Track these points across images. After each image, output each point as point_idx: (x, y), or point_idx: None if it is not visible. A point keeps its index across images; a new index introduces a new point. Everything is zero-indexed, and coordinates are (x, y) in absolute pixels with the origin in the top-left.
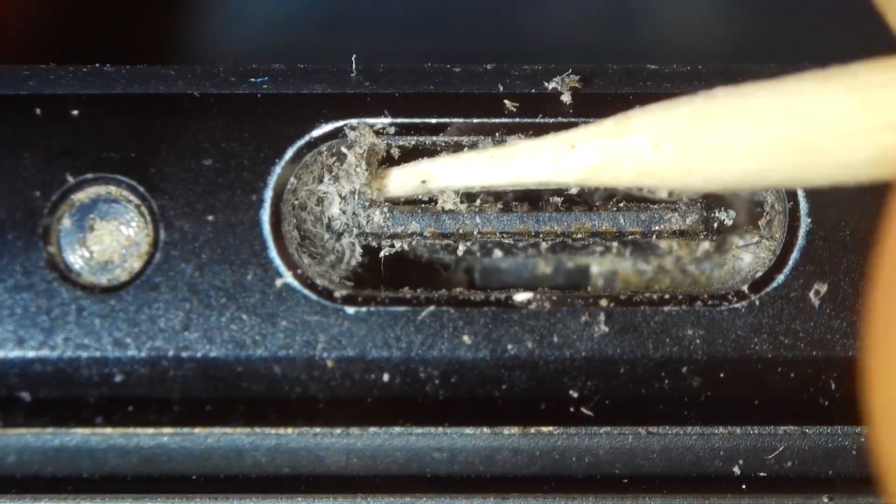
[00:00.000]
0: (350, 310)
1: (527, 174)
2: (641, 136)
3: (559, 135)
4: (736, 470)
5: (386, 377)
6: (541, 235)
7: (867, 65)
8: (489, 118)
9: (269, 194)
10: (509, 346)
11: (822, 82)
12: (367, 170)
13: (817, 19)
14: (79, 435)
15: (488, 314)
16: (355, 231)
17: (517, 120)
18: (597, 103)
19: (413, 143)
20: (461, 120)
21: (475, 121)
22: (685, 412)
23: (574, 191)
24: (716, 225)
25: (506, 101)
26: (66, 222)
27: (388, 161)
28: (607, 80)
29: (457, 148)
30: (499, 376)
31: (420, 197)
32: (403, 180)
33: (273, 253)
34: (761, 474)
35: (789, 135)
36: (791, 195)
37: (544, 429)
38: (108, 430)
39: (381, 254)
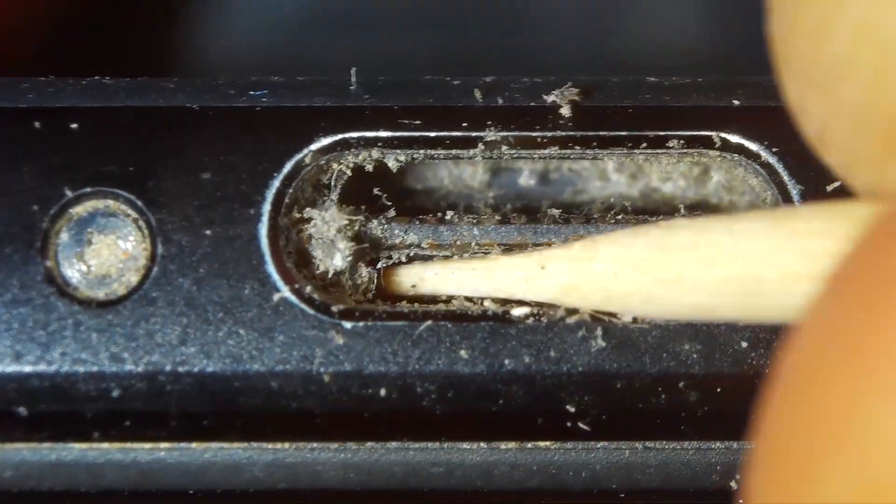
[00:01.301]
0: (347, 324)
1: (503, 289)
2: (603, 264)
3: (534, 253)
4: (733, 485)
5: (383, 392)
6: (539, 248)
7: (810, 209)
8: (490, 132)
9: (266, 208)
10: (506, 361)
11: (768, 224)
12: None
13: None
14: (76, 450)
15: (486, 329)
16: (353, 244)
17: (517, 133)
18: (596, 116)
19: (413, 156)
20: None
21: (473, 135)
22: (682, 427)
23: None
24: None
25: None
26: (64, 236)
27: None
28: (607, 93)
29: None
30: (496, 391)
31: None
32: (398, 281)
33: (270, 267)
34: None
35: (735, 275)
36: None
37: (541, 444)
38: (106, 444)
39: (379, 265)
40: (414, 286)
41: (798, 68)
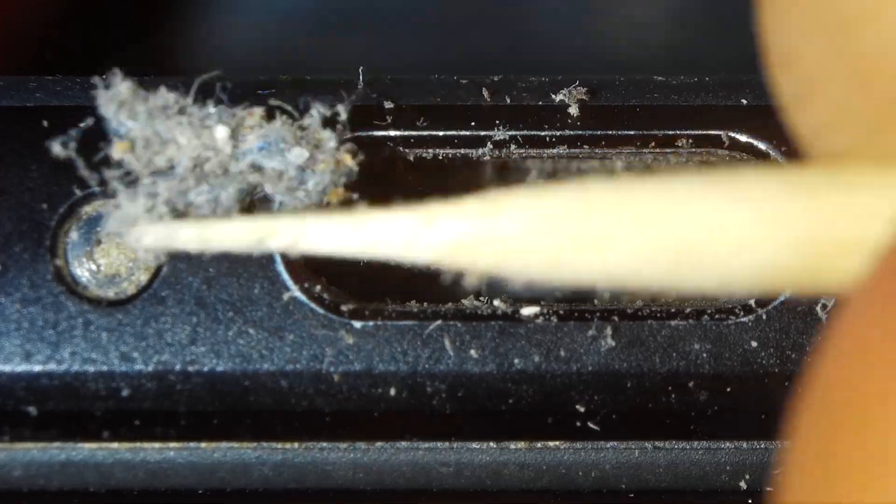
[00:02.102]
0: (357, 324)
1: (378, 246)
2: (509, 221)
3: (417, 209)
4: (742, 485)
5: (392, 391)
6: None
7: (764, 170)
8: (498, 131)
9: (276, 206)
10: (516, 361)
11: (712, 185)
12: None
13: None
14: (85, 449)
15: (495, 328)
16: None
17: (525, 133)
18: (605, 115)
19: (420, 155)
20: (467, 133)
21: (482, 134)
22: (692, 427)
23: None
24: None
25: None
26: (74, 235)
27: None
28: (614, 92)
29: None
30: (505, 390)
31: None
32: (238, 234)
33: (280, 266)
34: (768, 489)
35: (672, 240)
36: None
37: (551, 443)
38: (115, 444)
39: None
40: (261, 240)
41: (803, 12)
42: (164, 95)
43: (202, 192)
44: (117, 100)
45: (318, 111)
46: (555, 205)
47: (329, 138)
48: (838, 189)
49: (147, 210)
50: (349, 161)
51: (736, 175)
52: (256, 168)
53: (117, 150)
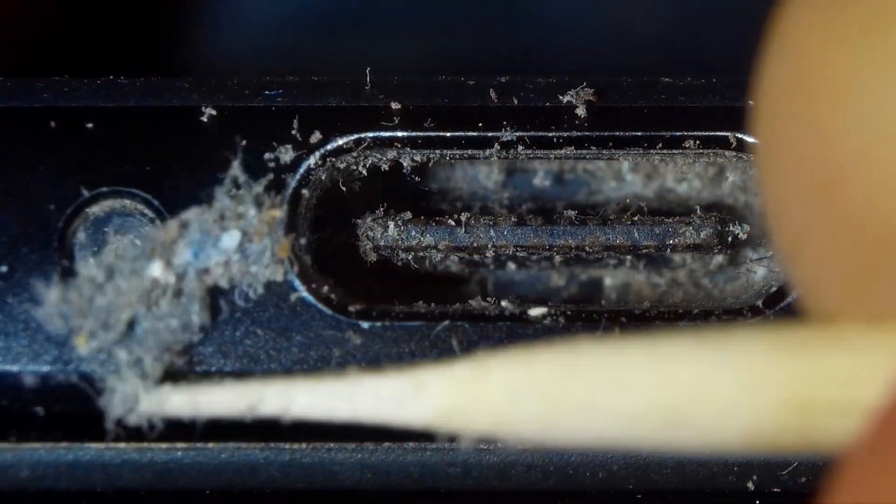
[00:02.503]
0: (365, 324)
1: (368, 413)
2: (496, 387)
3: (406, 372)
4: (750, 485)
5: None
6: (555, 249)
7: (748, 325)
8: (505, 132)
9: (283, 208)
10: None
11: (697, 344)
12: None
13: None
14: (92, 450)
15: (503, 329)
16: (369, 245)
17: (533, 133)
18: (611, 116)
19: (428, 156)
20: (475, 134)
21: (489, 135)
22: None
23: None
24: (730, 239)
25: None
26: (81, 235)
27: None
28: (622, 94)
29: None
30: None
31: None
32: (229, 400)
33: (288, 266)
34: (775, 490)
35: (659, 402)
36: None
37: None
38: (122, 445)
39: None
40: (252, 407)
41: (790, 170)
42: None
43: (172, 326)
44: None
45: (224, 194)
46: (541, 369)
47: (246, 208)
48: (829, 348)
49: (141, 378)
50: (276, 213)
51: (725, 334)
52: (204, 272)
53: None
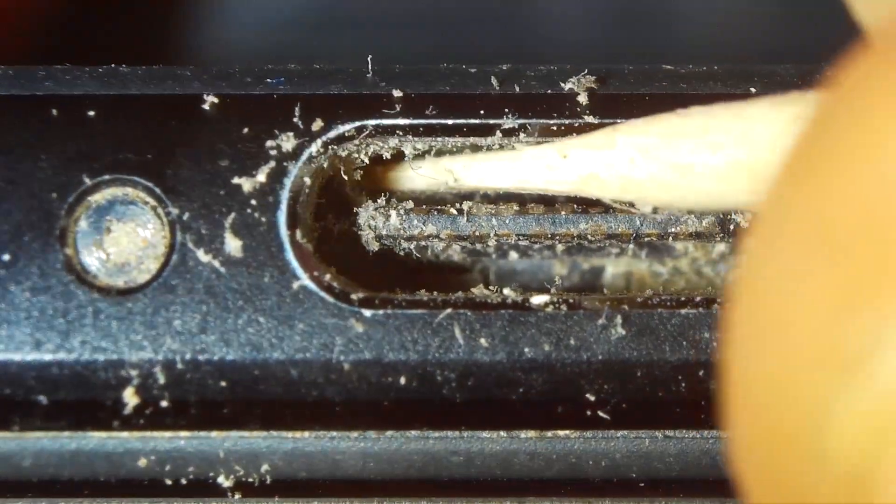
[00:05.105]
0: (367, 312)
1: (527, 179)
2: (621, 151)
3: (556, 142)
4: None
5: (403, 380)
6: (557, 237)
7: (817, 93)
8: (507, 119)
9: (285, 196)
10: (526, 349)
11: (774, 108)
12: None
13: (838, 16)
14: (95, 438)
15: (505, 317)
16: (371, 234)
17: (534, 121)
18: (613, 104)
19: (429, 144)
20: (477, 121)
21: (491, 122)
22: (702, 415)
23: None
24: (732, 227)
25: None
26: (83, 224)
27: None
28: (623, 81)
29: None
30: (516, 379)
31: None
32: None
33: (290, 255)
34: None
35: (742, 160)
36: None
37: (561, 432)
38: (125, 433)
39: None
40: (455, 180)
41: None
42: None
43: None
44: None
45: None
46: (655, 133)
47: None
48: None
49: None
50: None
51: (796, 98)
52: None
53: None
